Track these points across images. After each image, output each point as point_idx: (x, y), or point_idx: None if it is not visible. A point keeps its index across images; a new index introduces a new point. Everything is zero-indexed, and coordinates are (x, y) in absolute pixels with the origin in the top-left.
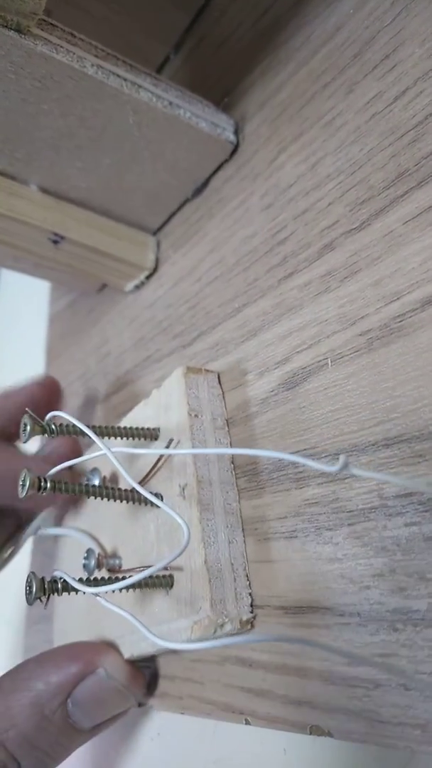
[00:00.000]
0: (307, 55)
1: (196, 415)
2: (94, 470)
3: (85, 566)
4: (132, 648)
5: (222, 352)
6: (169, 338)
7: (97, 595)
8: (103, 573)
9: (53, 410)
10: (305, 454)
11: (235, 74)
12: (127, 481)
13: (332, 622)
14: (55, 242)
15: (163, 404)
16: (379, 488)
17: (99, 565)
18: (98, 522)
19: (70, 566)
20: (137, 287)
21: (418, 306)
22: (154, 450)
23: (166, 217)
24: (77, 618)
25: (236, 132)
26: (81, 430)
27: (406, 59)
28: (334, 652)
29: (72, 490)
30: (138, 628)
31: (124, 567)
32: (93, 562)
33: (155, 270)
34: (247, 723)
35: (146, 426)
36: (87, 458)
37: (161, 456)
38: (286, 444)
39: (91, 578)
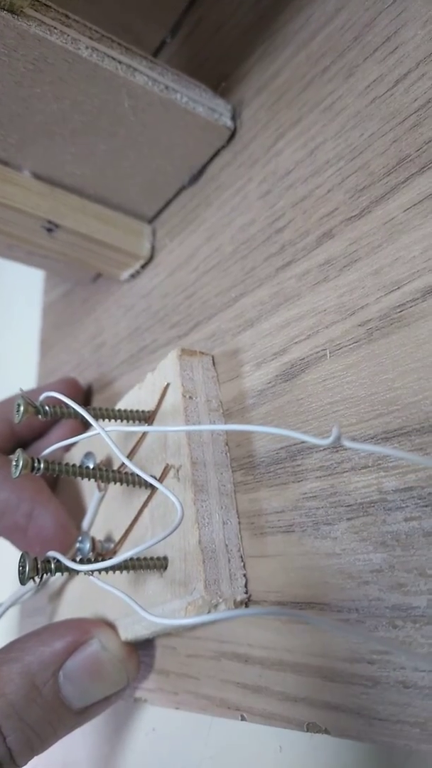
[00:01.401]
0: (306, 38)
1: (190, 397)
2: (89, 454)
3: (79, 549)
4: (126, 631)
5: (219, 343)
6: (166, 328)
7: (91, 574)
8: (98, 557)
9: None
10: (302, 447)
11: (232, 58)
12: (121, 462)
13: (330, 618)
14: (50, 230)
15: (157, 387)
16: (379, 482)
17: (93, 549)
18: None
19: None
20: (133, 276)
21: (419, 296)
22: (148, 427)
23: (162, 205)
24: (71, 604)
25: (234, 117)
26: (75, 411)
27: (408, 41)
28: (328, 626)
29: (65, 471)
30: (131, 605)
31: (120, 550)
32: (87, 546)
33: (151, 259)
34: (243, 719)
35: (141, 409)
36: (81, 438)
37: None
38: (283, 437)
39: (86, 560)
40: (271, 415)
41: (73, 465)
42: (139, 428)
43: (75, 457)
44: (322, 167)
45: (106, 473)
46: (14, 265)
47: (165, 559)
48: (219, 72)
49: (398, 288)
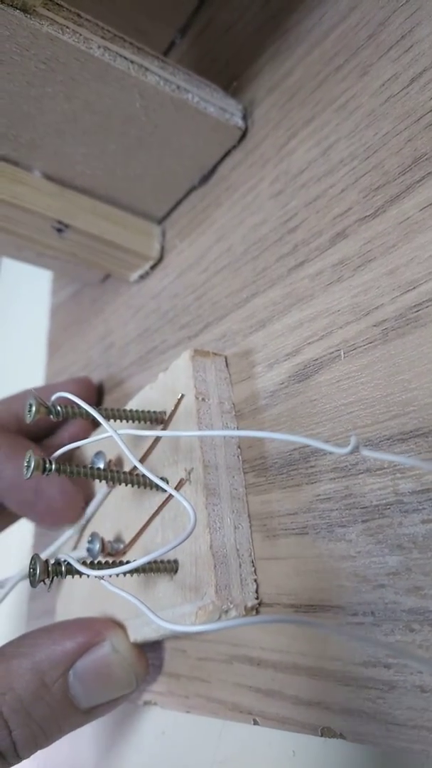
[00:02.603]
0: (319, 36)
1: (203, 399)
2: (99, 454)
3: (89, 550)
4: (135, 633)
5: (230, 344)
6: (175, 329)
7: (101, 578)
8: (107, 558)
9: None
10: (316, 448)
11: (244, 58)
12: (133, 464)
13: (345, 621)
14: (60, 231)
15: (169, 387)
16: (395, 484)
17: (103, 550)
18: (102, 507)
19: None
20: (142, 277)
21: None
22: (161, 432)
23: (172, 206)
24: (79, 605)
25: (245, 117)
26: (86, 411)
27: (423, 39)
28: (339, 633)
29: (77, 473)
30: (141, 609)
31: (129, 551)
32: (97, 547)
33: (161, 259)
34: (256, 723)
35: (152, 410)
36: (93, 440)
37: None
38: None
39: (95, 562)
40: (284, 416)
41: (84, 466)
42: (152, 432)
43: (85, 456)
44: (335, 166)
45: (117, 475)
46: (22, 267)
47: (175, 562)
48: (230, 72)
49: (414, 288)
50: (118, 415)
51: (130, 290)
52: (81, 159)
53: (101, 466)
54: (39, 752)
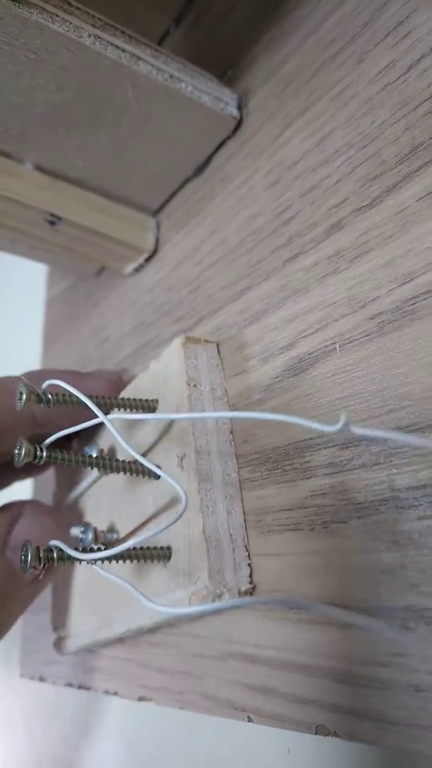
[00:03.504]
0: (315, 23)
1: (194, 385)
2: (92, 444)
3: (81, 540)
4: (128, 621)
5: (224, 337)
6: (170, 322)
7: (93, 563)
8: (100, 547)
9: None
10: (310, 443)
11: (239, 47)
12: (125, 452)
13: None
14: (52, 223)
15: (161, 375)
16: (390, 480)
17: (96, 539)
18: (95, 495)
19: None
20: (137, 270)
21: None
22: (152, 415)
23: (166, 198)
24: (76, 595)
25: (240, 107)
26: (78, 399)
27: (421, 26)
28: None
29: (69, 461)
30: (133, 594)
31: (122, 540)
32: (90, 536)
33: (155, 252)
34: (250, 720)
35: (144, 398)
36: (83, 426)
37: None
38: (292, 433)
39: (88, 549)
40: (279, 410)
41: (76, 454)
42: (143, 416)
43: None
44: (331, 156)
45: (110, 462)
46: (16, 260)
47: (168, 548)
48: (224, 61)
49: (411, 280)
50: (110, 403)
51: (125, 283)
52: (73, 150)
53: (94, 454)
54: (31, 746)
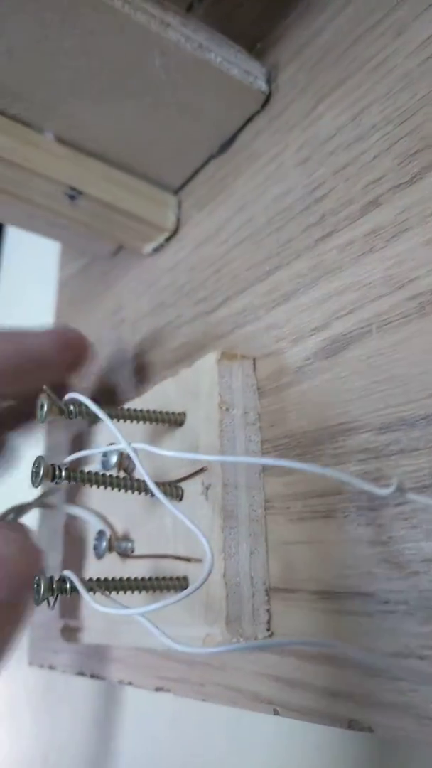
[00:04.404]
0: None
1: (227, 409)
2: (111, 450)
3: (95, 548)
4: (137, 639)
5: (251, 318)
6: (192, 303)
7: (107, 595)
8: (114, 558)
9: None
10: (345, 427)
11: (267, 19)
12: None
13: (375, 610)
14: (72, 197)
15: (191, 389)
16: (431, 466)
17: (110, 548)
18: (110, 501)
19: (80, 546)
20: (156, 250)
21: None
22: (182, 454)
23: (189, 175)
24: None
25: (269, 81)
26: (98, 416)
27: None
28: (364, 660)
29: (88, 480)
30: (151, 630)
31: (137, 552)
32: (104, 545)
33: (176, 231)
34: (277, 714)
35: (171, 410)
36: (107, 450)
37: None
38: (324, 416)
39: (102, 579)
40: (310, 393)
41: (96, 474)
42: (172, 453)
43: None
44: (367, 132)
45: (131, 483)
46: (27, 240)
47: (185, 579)
48: (252, 34)
49: None
50: (134, 415)
51: (143, 263)
52: (95, 121)
53: (113, 460)
54: (38, 736)
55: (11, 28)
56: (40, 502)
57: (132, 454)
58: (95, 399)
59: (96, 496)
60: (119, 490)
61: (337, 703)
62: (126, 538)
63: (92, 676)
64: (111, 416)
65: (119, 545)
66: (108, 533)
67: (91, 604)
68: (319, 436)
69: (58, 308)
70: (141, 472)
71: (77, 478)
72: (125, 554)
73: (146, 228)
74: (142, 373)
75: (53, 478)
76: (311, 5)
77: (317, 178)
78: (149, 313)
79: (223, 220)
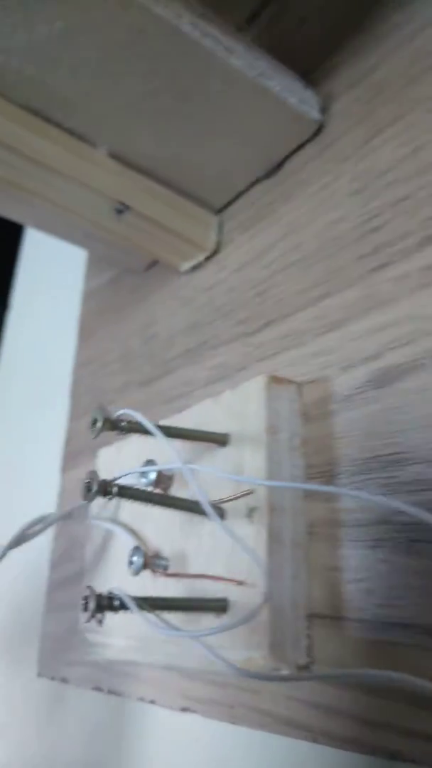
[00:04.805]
0: (409, 33)
1: (274, 433)
2: (150, 462)
3: (131, 563)
4: (172, 657)
5: (296, 343)
6: (231, 324)
7: (151, 612)
8: (149, 576)
9: None
10: (399, 457)
11: (320, 51)
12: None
13: (420, 642)
14: (120, 212)
15: (236, 411)
16: None
17: (145, 565)
18: (141, 516)
19: (104, 560)
20: (194, 268)
21: None
22: (237, 477)
23: (232, 196)
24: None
25: (322, 111)
26: (149, 430)
27: None
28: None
29: (138, 497)
30: (215, 659)
31: (171, 570)
32: (140, 562)
33: (216, 251)
34: (315, 741)
35: (213, 430)
36: (161, 468)
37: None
38: (374, 445)
39: (147, 597)
40: (358, 422)
41: (144, 491)
42: (228, 476)
43: (130, 461)
44: (427, 167)
45: (179, 502)
46: (48, 250)
47: (224, 601)
48: (303, 65)
49: None
50: (177, 433)
51: (179, 281)
52: (149, 139)
53: (153, 476)
54: (46, 747)
55: (81, 45)
56: (67, 515)
57: (188, 475)
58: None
59: (125, 510)
60: (167, 508)
61: (379, 733)
62: (160, 555)
63: (110, 692)
64: (113, 428)
65: (155, 562)
66: (143, 549)
67: (151, 625)
68: (368, 465)
69: (83, 317)
70: (197, 493)
71: (127, 494)
72: (161, 572)
73: (187, 246)
74: (174, 390)
75: (105, 493)
76: (366, 41)
77: (373, 209)
78: (184, 330)
79: (267, 243)
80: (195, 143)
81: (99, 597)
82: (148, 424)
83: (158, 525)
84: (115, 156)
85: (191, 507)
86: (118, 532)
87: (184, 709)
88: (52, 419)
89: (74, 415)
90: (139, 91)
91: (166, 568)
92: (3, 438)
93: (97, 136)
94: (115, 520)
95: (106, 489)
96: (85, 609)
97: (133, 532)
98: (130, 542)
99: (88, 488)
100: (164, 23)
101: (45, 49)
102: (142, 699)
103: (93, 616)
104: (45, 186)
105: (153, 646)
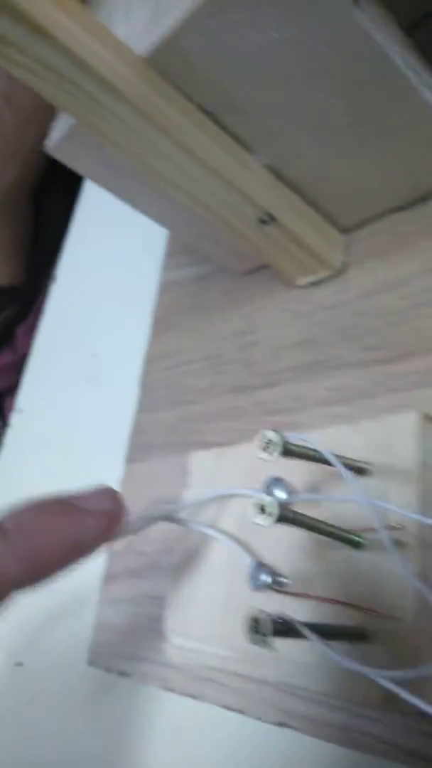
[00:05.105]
0: None
1: (428, 471)
2: (278, 481)
3: (253, 579)
4: (284, 673)
5: None
6: (358, 348)
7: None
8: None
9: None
10: None
11: None
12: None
13: None
14: (264, 222)
15: (381, 442)
16: None
17: (271, 584)
18: (253, 527)
19: (206, 569)
20: (313, 284)
21: None
22: (417, 516)
23: (365, 219)
24: (210, 603)
25: None
26: (324, 458)
27: None
28: None
29: (313, 527)
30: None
31: (292, 590)
32: (265, 579)
33: (341, 271)
34: None
35: (350, 456)
36: (339, 498)
37: None
38: None
39: (308, 624)
40: None
41: (313, 519)
42: (413, 516)
43: (236, 474)
44: None
45: (339, 534)
46: (130, 235)
47: (362, 629)
48: None
49: None
50: (313, 456)
51: (289, 293)
52: (309, 156)
53: (284, 495)
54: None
55: (286, 60)
56: (168, 516)
57: (373, 512)
58: None
59: (230, 519)
60: (325, 537)
61: None
62: (277, 573)
63: (185, 694)
64: (286, 452)
65: (275, 579)
66: (270, 567)
67: (330, 655)
68: None
69: (159, 310)
70: (375, 524)
71: (298, 522)
72: (283, 592)
73: (313, 261)
74: (279, 403)
75: (280, 518)
76: None
77: None
78: (294, 345)
79: (406, 274)
80: (350, 163)
81: (271, 621)
82: (328, 454)
83: (275, 542)
84: (270, 168)
85: (333, 533)
86: (228, 542)
87: (282, 724)
88: (109, 405)
89: (144, 407)
90: (320, 114)
91: (287, 587)
92: (60, 413)
93: (260, 147)
94: (215, 527)
95: (281, 515)
96: (256, 632)
97: (244, 545)
98: (240, 554)
99: (268, 514)
100: (378, 51)
101: (245, 57)
102: (228, 707)
103: (265, 641)
104: (193, 182)
105: (262, 661)
